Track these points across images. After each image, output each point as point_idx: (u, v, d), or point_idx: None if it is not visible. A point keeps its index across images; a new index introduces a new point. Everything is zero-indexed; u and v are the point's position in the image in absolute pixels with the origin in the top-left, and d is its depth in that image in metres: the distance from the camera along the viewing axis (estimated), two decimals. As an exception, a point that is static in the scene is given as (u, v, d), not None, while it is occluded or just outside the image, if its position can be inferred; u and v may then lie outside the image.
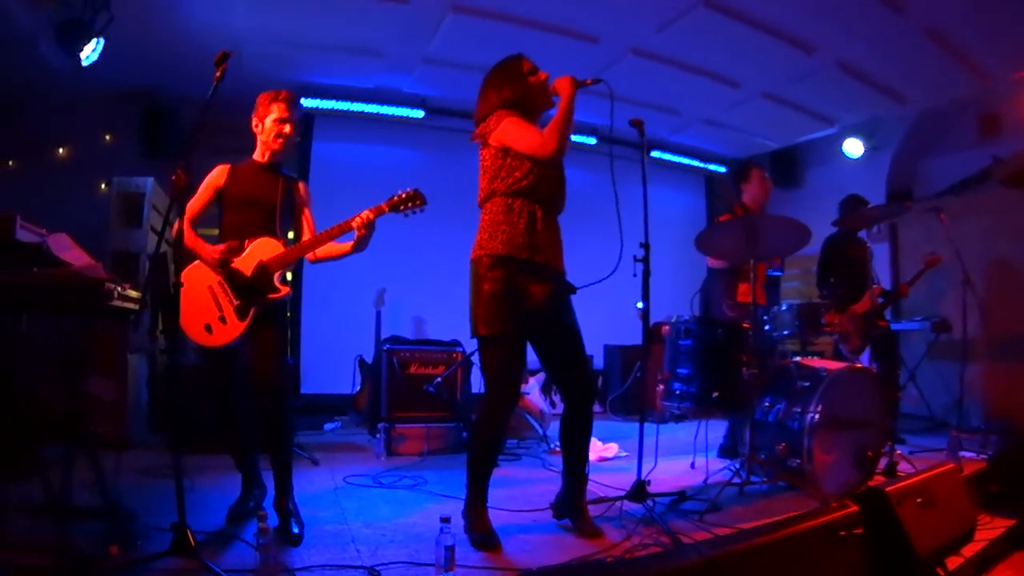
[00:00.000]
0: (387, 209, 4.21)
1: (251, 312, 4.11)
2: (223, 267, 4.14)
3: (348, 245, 4.31)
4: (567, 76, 4.03)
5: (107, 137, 8.56)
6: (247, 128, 4.44)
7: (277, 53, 8.07)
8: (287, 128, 4.36)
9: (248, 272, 4.15)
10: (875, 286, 6.65)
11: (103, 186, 7.69)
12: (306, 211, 4.54)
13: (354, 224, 4.15)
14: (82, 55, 6.31)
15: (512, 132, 3.98)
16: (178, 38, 7.29)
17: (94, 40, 6.33)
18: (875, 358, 7.12)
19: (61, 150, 8.31)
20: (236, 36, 7.31)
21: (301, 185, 4.56)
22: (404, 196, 4.23)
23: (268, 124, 4.34)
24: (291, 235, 4.51)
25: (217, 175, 4.37)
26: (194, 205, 4.23)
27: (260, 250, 4.20)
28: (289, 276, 4.35)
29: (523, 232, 3.93)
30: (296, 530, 3.88)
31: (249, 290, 4.13)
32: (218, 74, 3.72)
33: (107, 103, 8.46)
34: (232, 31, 7.23)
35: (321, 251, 4.36)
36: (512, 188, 3.99)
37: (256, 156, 4.43)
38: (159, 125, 8.60)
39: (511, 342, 3.92)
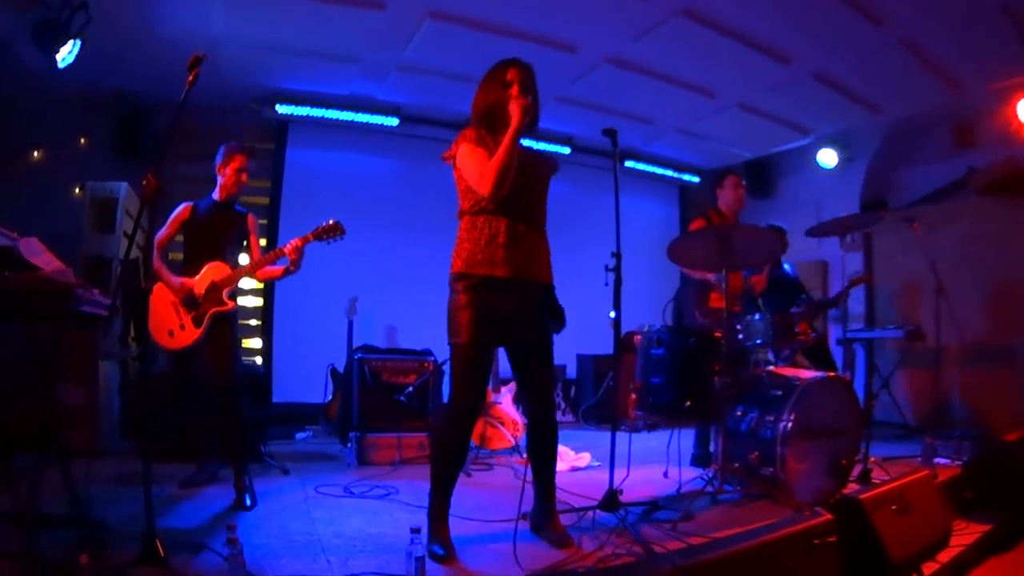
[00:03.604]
0: (312, 239, 5.07)
1: (205, 321, 5.06)
2: (186, 297, 5.13)
3: (282, 268, 5.17)
4: (516, 101, 3.87)
5: (82, 140, 8.42)
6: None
7: (252, 58, 8.02)
8: (244, 176, 5.44)
9: (201, 291, 5.13)
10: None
11: (77, 190, 7.59)
12: (252, 238, 5.53)
13: (286, 250, 5.02)
14: (58, 56, 6.26)
15: (463, 161, 3.98)
16: (155, 41, 7.19)
17: (71, 42, 6.27)
18: (814, 367, 7.17)
19: (35, 153, 8.17)
20: (212, 40, 7.22)
21: (250, 217, 5.56)
22: (326, 227, 5.10)
23: (228, 171, 5.38)
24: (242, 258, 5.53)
25: (182, 212, 5.38)
26: (163, 237, 5.34)
27: (212, 272, 5.17)
28: (249, 283, 4.85)
29: (483, 249, 3.92)
30: (249, 503, 4.73)
31: (203, 304, 5.10)
32: (191, 78, 3.76)
33: (82, 106, 8.33)
34: (208, 35, 7.14)
35: (261, 274, 5.37)
36: (474, 208, 4.00)
37: (215, 195, 5.43)
38: (134, 129, 8.49)
39: (473, 349, 3.91)
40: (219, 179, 5.41)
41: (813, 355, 7.30)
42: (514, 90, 3.96)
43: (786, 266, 7.59)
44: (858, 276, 7.09)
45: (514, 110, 3.85)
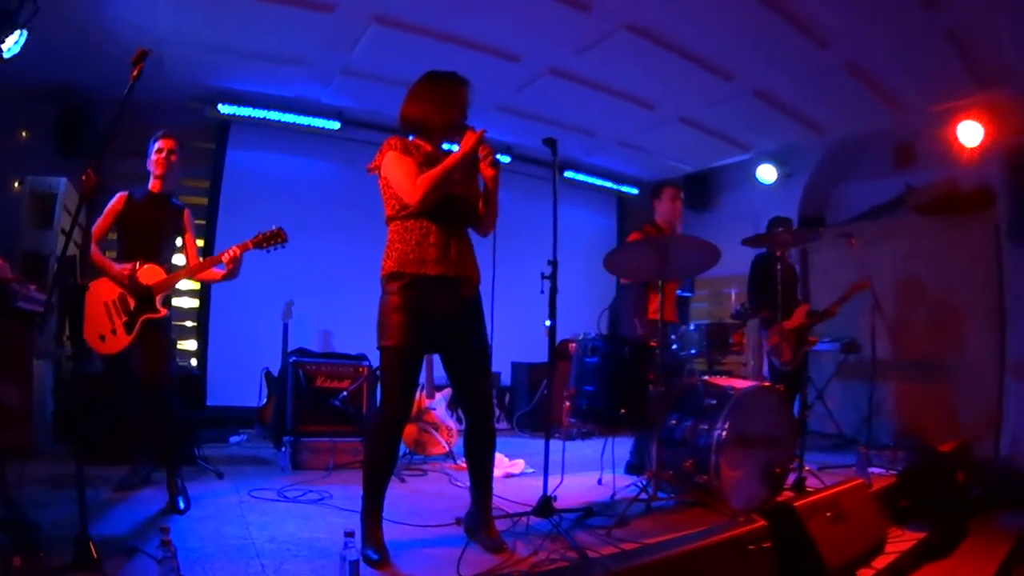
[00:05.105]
0: (251, 246, 4.91)
1: (136, 327, 4.85)
2: (131, 283, 4.86)
3: (221, 272, 4.97)
4: (474, 133, 3.94)
5: (23, 134, 8.26)
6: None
7: (198, 57, 7.90)
8: (165, 157, 5.15)
9: (134, 296, 4.89)
10: (804, 305, 6.75)
11: (16, 184, 7.44)
12: (188, 236, 5.34)
13: (223, 259, 4.87)
14: (3, 47, 6.09)
15: (390, 170, 3.98)
16: (101, 37, 7.05)
17: (17, 32, 6.11)
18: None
19: (-27, 145, 8.01)
20: (158, 38, 7.09)
21: (186, 213, 5.36)
22: (268, 234, 4.93)
23: (153, 155, 5.16)
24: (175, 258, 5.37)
25: (116, 202, 5.13)
26: (99, 228, 5.05)
27: (146, 276, 4.93)
28: (186, 284, 4.69)
29: (414, 248, 3.91)
30: (182, 506, 4.64)
31: (135, 310, 4.88)
32: (135, 73, 3.72)
33: (24, 99, 8.11)
34: (154, 32, 7.01)
35: (199, 276, 5.20)
36: (402, 213, 3.97)
37: (150, 187, 5.22)
38: (76, 124, 8.30)
39: (404, 353, 3.90)
40: (150, 169, 5.22)
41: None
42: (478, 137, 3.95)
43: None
44: (860, 281, 7.12)
45: (471, 139, 3.91)
